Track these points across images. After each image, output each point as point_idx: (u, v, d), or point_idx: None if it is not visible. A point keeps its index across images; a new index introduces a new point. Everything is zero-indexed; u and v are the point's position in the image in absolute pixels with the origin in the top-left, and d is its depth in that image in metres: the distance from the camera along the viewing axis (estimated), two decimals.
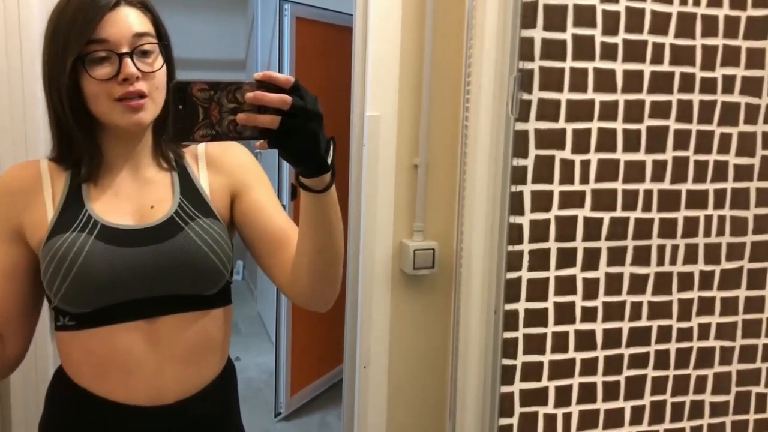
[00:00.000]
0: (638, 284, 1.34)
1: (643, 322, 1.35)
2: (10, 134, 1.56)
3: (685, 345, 1.37)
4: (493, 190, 1.30)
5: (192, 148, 1.11)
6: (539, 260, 1.29)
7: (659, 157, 1.32)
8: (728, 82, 1.33)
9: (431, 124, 1.85)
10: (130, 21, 0.96)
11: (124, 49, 0.94)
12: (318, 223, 0.91)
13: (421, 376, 1.97)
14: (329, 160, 0.83)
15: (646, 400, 1.37)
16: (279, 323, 3.18)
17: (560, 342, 1.32)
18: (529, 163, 1.26)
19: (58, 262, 0.94)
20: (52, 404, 1.08)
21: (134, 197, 1.02)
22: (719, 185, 1.35)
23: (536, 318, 1.30)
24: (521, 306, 1.29)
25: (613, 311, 1.33)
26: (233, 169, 1.09)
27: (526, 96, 1.25)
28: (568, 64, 1.26)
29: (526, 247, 1.28)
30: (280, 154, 0.81)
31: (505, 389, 1.30)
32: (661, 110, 1.31)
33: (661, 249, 1.34)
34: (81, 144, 1.00)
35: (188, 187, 1.05)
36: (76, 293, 0.94)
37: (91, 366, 1.00)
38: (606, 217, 1.31)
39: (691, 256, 1.35)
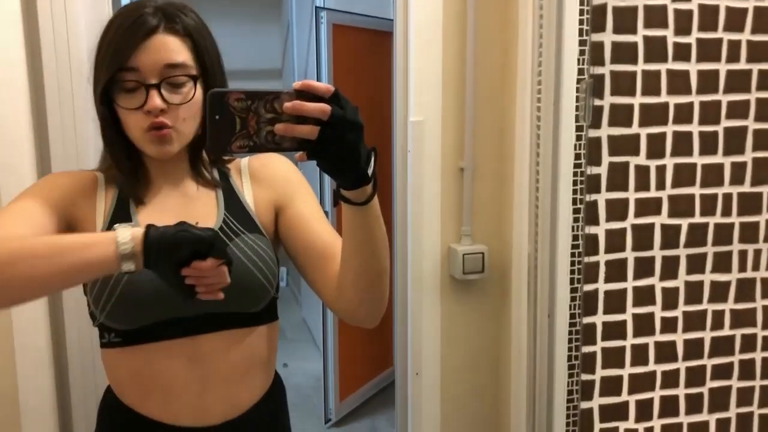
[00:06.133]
0: (720, 292, 1.29)
1: (726, 331, 1.30)
2: (62, 145, 1.57)
3: None
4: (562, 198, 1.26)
5: (236, 162, 1.10)
6: (616, 271, 1.25)
7: (738, 158, 1.27)
8: None
9: (476, 127, 1.82)
10: (163, 51, 0.94)
11: (153, 80, 0.93)
12: (361, 236, 0.87)
13: (474, 381, 1.94)
14: (370, 172, 0.80)
15: (732, 412, 1.32)
16: (326, 329, 3.17)
17: (640, 354, 1.27)
18: (602, 171, 1.22)
19: (104, 280, 0.93)
20: (102, 422, 1.08)
21: (179, 214, 1.01)
22: None
23: (614, 331, 1.26)
24: (599, 319, 1.25)
25: (694, 321, 1.29)
26: (276, 181, 1.07)
27: (597, 102, 1.21)
28: (640, 66, 1.22)
29: (602, 257, 1.24)
30: (319, 165, 0.77)
31: (585, 405, 1.26)
32: (738, 110, 1.26)
33: (743, 254, 1.29)
34: (124, 164, 1.00)
35: (233, 203, 1.04)
36: (122, 311, 0.94)
37: (136, 385, 0.99)
38: (684, 223, 1.26)
39: None
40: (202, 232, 0.82)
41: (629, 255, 1.25)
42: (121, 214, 0.99)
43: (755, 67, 1.25)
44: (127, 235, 0.81)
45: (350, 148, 0.76)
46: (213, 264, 0.81)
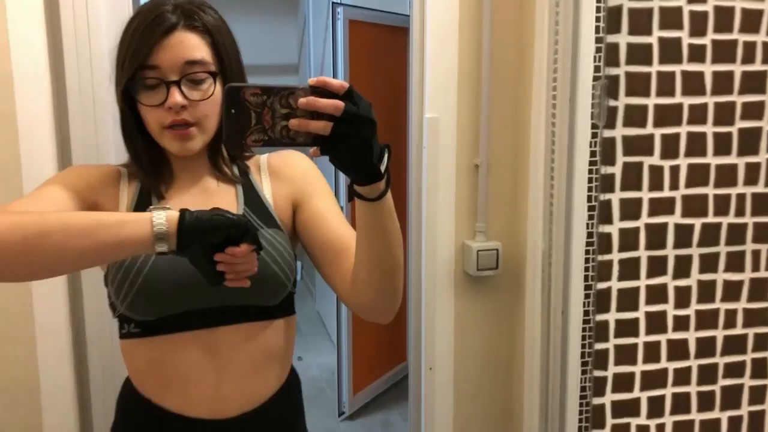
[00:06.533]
0: (732, 291, 1.29)
1: (739, 330, 1.31)
2: (82, 142, 1.60)
3: None
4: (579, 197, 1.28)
5: (255, 159, 1.12)
6: (629, 269, 1.26)
7: (752, 159, 1.27)
8: None
9: (491, 123, 1.83)
10: (183, 48, 0.96)
11: (173, 77, 0.95)
12: (374, 232, 0.89)
13: (487, 377, 1.95)
14: (383, 168, 0.82)
15: (744, 410, 1.33)
16: (340, 323, 3.20)
17: (652, 352, 1.29)
18: (616, 170, 1.23)
19: (125, 271, 0.96)
20: (120, 413, 1.11)
21: (200, 208, 1.03)
22: None
23: (627, 328, 1.27)
24: (611, 316, 1.27)
25: (707, 319, 1.29)
26: (294, 178, 1.09)
27: (612, 102, 1.22)
28: (655, 68, 1.22)
29: (615, 256, 1.25)
30: (332, 161, 0.79)
31: (597, 401, 1.28)
32: (753, 111, 1.26)
33: (756, 254, 1.29)
34: (143, 160, 1.03)
35: (252, 198, 1.06)
36: (143, 302, 0.96)
37: (154, 376, 1.02)
38: (697, 223, 1.27)
39: None
40: (236, 217, 0.84)
41: (642, 254, 1.26)
42: (143, 208, 1.02)
43: None
44: (162, 216, 0.83)
45: (363, 144, 0.77)
46: (246, 249, 0.83)
